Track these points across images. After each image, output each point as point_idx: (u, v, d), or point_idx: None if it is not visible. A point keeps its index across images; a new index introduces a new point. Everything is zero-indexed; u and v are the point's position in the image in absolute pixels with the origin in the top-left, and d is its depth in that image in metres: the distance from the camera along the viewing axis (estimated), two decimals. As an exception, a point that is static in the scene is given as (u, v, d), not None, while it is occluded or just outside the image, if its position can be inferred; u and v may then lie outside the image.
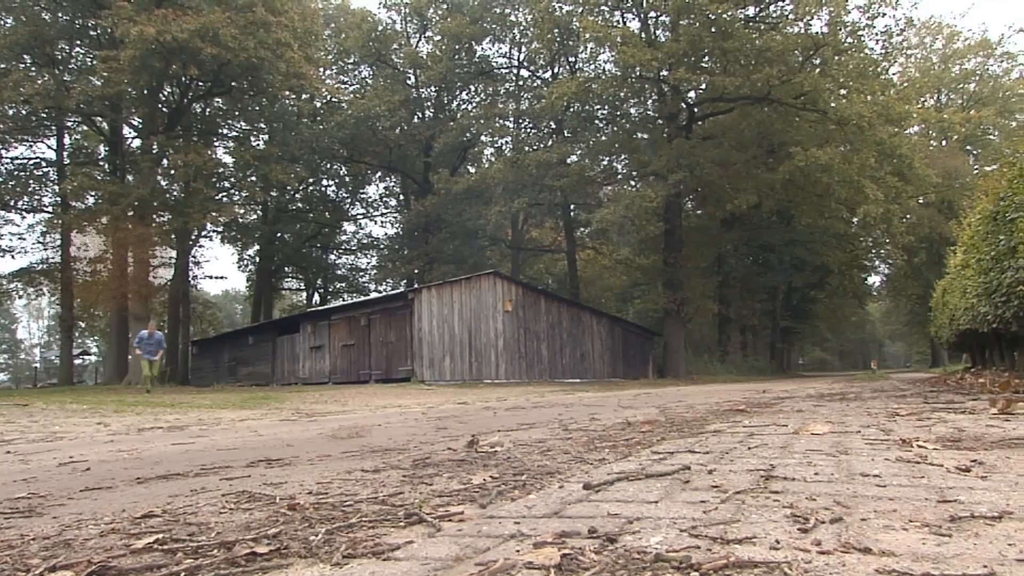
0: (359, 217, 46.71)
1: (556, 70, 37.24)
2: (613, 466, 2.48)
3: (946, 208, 39.71)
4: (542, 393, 14.24)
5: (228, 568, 1.34)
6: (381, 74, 39.22)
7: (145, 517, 1.90)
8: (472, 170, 38.87)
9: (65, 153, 30.36)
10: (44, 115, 26.20)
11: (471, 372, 22.74)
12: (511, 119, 37.87)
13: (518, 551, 1.34)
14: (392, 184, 46.39)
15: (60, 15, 25.28)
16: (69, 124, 29.48)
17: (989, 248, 8.72)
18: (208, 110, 31.63)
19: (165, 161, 26.44)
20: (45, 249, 32.21)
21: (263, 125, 32.94)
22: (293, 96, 31.83)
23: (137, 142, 28.32)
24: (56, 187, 28.31)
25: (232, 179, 33.15)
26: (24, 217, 30.92)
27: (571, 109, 31.11)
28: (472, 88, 40.51)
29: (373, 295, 37.51)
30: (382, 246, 45.99)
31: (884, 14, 26.93)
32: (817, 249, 38.41)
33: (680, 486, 2.01)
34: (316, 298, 47.03)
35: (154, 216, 26.50)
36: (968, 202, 16.00)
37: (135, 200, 24.31)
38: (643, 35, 28.96)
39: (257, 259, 42.62)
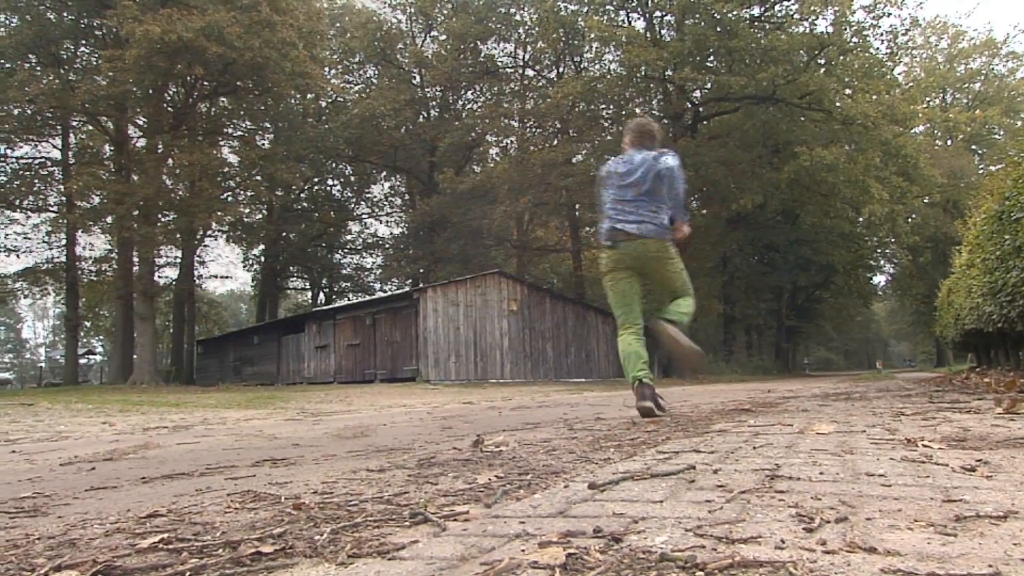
0: (364, 217, 46.77)
1: (561, 69, 37.23)
2: (618, 466, 2.47)
3: (951, 208, 39.67)
4: (547, 393, 14.24)
5: (233, 567, 1.34)
6: (386, 73, 39.24)
7: (150, 517, 1.90)
8: (477, 169, 38.89)
9: (70, 153, 30.44)
10: (49, 115, 26.28)
11: (476, 372, 22.75)
12: (516, 118, 37.84)
13: (523, 551, 1.34)
14: (397, 184, 46.44)
15: (65, 15, 25.35)
16: (74, 124, 29.55)
17: (994, 248, 8.69)
18: (213, 109, 31.68)
19: (170, 161, 26.49)
20: (50, 249, 32.32)
21: (268, 124, 33.01)
22: (298, 95, 31.88)
23: (142, 142, 28.37)
24: (61, 187, 28.40)
25: (237, 179, 33.23)
26: (29, 217, 31.07)
27: (576, 108, 31.10)
28: (477, 87, 40.50)
29: (378, 295, 37.56)
30: (387, 246, 46.00)
31: (889, 14, 27.01)
32: (822, 249, 38.34)
33: (685, 486, 2.01)
34: (321, 298, 47.06)
35: (159, 216, 26.55)
36: (973, 202, 15.93)
37: (140, 200, 24.37)
38: (648, 35, 28.97)
39: (262, 259, 42.72)
